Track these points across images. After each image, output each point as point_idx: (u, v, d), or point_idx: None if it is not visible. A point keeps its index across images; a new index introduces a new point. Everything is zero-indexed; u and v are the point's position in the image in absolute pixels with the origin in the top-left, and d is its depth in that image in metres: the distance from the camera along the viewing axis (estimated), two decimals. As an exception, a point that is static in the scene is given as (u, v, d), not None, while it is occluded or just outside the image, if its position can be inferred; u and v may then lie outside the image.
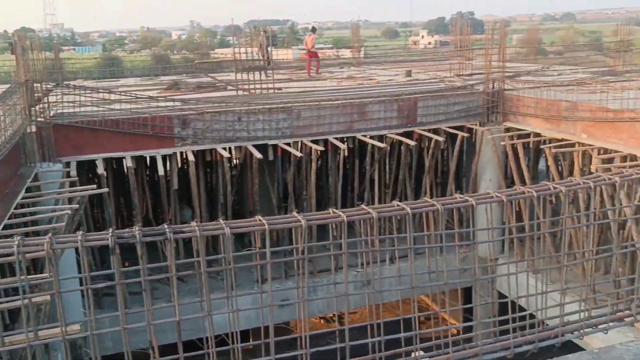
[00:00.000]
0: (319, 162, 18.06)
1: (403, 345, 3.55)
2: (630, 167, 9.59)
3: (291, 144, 15.40)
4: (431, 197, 15.25)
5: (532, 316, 3.87)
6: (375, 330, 3.64)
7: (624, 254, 12.13)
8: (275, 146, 15.38)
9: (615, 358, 3.55)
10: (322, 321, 20.74)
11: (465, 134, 16.22)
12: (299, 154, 14.72)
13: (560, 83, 16.81)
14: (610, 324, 3.80)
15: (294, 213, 3.32)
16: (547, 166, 16.57)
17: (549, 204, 4.22)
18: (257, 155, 14.14)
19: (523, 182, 15.70)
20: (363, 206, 3.46)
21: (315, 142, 15.47)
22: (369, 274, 17.27)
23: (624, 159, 13.28)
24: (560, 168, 16.83)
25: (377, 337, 3.61)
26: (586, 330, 3.74)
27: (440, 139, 15.86)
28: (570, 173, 15.98)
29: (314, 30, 25.14)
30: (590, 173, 14.51)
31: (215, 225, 2.99)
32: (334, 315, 20.20)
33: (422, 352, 3.78)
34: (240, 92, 18.54)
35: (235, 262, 3.22)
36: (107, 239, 2.64)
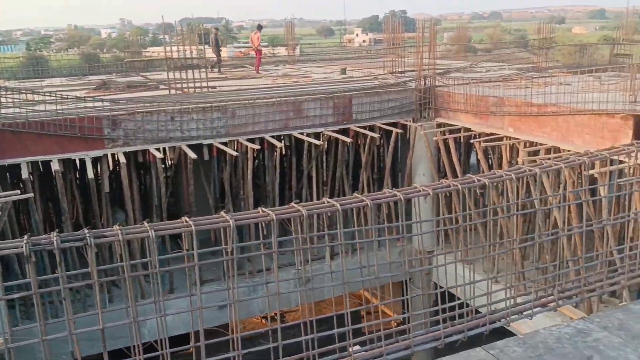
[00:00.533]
0: (256, 161, 17.95)
1: (337, 341, 3.56)
2: (553, 158, 10.02)
3: (227, 144, 15.21)
4: (368, 193, 15.42)
5: (467, 305, 3.98)
6: (309, 328, 3.63)
7: (549, 241, 12.71)
8: (210, 146, 15.13)
9: (540, 342, 3.69)
10: (263, 320, 20.64)
11: (399, 130, 16.52)
12: (234, 153, 14.55)
13: (488, 79, 17.39)
14: (535, 310, 3.95)
15: (222, 213, 3.26)
16: (478, 160, 17.14)
17: (479, 196, 4.33)
18: (192, 155, 13.88)
19: (455, 176, 16.17)
20: (293, 204, 3.44)
21: (251, 140, 15.34)
22: (307, 271, 17.27)
23: (548, 151, 13.89)
24: (490, 161, 17.47)
25: (310, 335, 3.60)
26: (512, 317, 3.87)
27: (376, 135, 16.08)
28: (499, 166, 16.58)
29: (259, 27, 25.25)
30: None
31: (139, 228, 2.89)
32: (275, 314, 20.13)
33: (358, 347, 3.81)
34: (173, 91, 18.14)
35: (171, 264, 3.13)
36: (22, 247, 2.50)
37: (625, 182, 5.06)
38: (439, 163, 17.23)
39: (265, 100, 15.53)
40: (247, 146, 15.02)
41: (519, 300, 4.01)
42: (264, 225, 3.34)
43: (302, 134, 15.92)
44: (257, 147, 14.87)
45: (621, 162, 8.43)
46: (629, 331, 3.77)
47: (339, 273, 3.94)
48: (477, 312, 3.92)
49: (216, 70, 23.67)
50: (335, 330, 3.62)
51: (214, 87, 18.94)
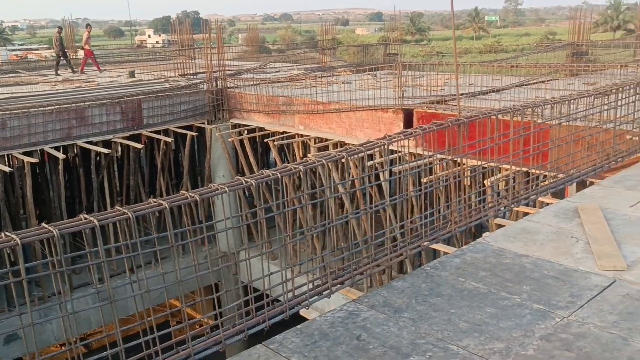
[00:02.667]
0: (39, 176, 16.31)
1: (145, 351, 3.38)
2: (339, 151, 10.69)
3: (-1, 159, 13.56)
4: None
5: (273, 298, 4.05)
6: (108, 345, 3.38)
7: (342, 227, 13.62)
8: (-22, 162, 13.36)
9: (315, 329, 3.90)
10: (62, 347, 18.90)
11: (195, 133, 16.30)
12: (7, 169, 13.03)
13: (277, 79, 17.99)
14: (311, 299, 4.16)
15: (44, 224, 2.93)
16: (274, 158, 17.68)
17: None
18: (-46, 175, 12.11)
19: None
20: (82, 215, 3.18)
21: (28, 154, 13.89)
22: (105, 288, 16.21)
23: (335, 145, 14.84)
24: (286, 159, 18.09)
25: (115, 349, 3.37)
26: (290, 303, 4.03)
27: (169, 140, 15.64)
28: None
29: (88, 26, 24.21)
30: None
31: None
32: (76, 340, 18.53)
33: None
34: None
35: None
36: None
37: (398, 167, 5.65)
38: (237, 164, 17.40)
39: (42, 109, 14.14)
40: (23, 160, 13.56)
41: (303, 288, 4.20)
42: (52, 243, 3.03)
43: (90, 142, 14.85)
44: (34, 160, 13.50)
45: (392, 151, 9.30)
46: (391, 306, 4.17)
47: (142, 289, 3.74)
48: (278, 301, 4.04)
49: (69, 70, 23.74)
50: (142, 340, 3.43)
51: (-21, 96, 16.74)
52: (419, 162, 5.54)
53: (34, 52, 61.31)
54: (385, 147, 4.49)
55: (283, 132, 15.80)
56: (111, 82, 20.05)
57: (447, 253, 5.14)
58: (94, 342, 19.64)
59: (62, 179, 14.20)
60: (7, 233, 2.99)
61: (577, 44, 17.91)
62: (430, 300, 4.24)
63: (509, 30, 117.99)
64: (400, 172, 5.81)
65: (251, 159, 16.25)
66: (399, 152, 7.90)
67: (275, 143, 15.07)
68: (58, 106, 14.41)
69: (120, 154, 17.13)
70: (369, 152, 4.43)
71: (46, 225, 3.07)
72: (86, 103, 14.98)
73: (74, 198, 16.53)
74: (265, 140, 15.98)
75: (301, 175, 4.15)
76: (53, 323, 14.66)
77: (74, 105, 14.73)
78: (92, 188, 15.58)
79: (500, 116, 5.93)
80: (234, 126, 17.03)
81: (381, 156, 11.93)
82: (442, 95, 13.89)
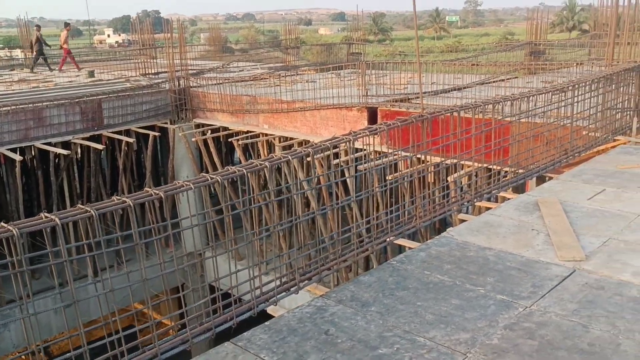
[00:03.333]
0: (-6, 178, 15.82)
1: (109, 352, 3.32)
2: (305, 148, 10.72)
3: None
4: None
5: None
6: (72, 348, 3.31)
7: (308, 224, 13.63)
8: None
9: (284, 325, 3.89)
10: (23, 357, 18.34)
11: (157, 134, 16.05)
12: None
13: (241, 79, 17.87)
14: (278, 296, 4.15)
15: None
16: (239, 158, 17.55)
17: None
18: None
19: (218, 175, 16.32)
20: (42, 215, 3.09)
21: (-16, 155, 13.47)
22: (70, 294, 15.77)
23: (300, 144, 14.83)
24: (251, 158, 17.97)
25: (78, 350, 3.30)
26: (258, 300, 4.02)
27: (131, 140, 15.36)
28: (259, 162, 17.22)
29: (67, 25, 24.24)
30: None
31: None
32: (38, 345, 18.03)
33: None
34: None
35: None
36: None
37: (362, 164, 5.67)
38: (201, 164, 17.21)
39: (-3, 109, 13.70)
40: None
41: (270, 286, 4.18)
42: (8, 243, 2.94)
43: (48, 144, 14.46)
44: (-8, 162, 13.09)
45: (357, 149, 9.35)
46: (359, 301, 4.20)
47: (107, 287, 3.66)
48: (243, 300, 4.02)
49: (46, 67, 23.57)
50: (106, 340, 3.35)
51: None
52: (383, 159, 5.58)
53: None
54: (351, 143, 4.51)
55: (247, 132, 15.72)
56: (70, 82, 19.58)
57: (412, 248, 5.21)
58: (54, 348, 19.16)
59: (19, 182, 13.79)
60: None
61: (535, 44, 18.36)
62: (397, 293, 4.29)
63: (469, 31, 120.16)
64: (365, 169, 5.86)
65: (215, 158, 16.11)
66: (364, 150, 7.98)
67: (240, 142, 14.97)
68: (14, 106, 13.99)
69: (80, 155, 16.76)
70: (334, 150, 4.44)
71: (5, 225, 2.98)
72: (44, 103, 14.58)
73: (32, 201, 16.10)
74: (229, 140, 15.86)
75: (266, 172, 4.13)
76: (11, 330, 14.26)
77: (31, 105, 14.32)
78: (52, 190, 15.18)
79: (462, 113, 6.04)
80: (197, 126, 16.84)
81: (346, 154, 12.00)
82: (406, 94, 14.05)
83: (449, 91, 14.57)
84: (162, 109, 16.78)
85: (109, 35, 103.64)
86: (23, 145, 14.27)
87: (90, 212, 3.22)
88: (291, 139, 14.86)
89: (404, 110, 12.44)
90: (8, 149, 13.77)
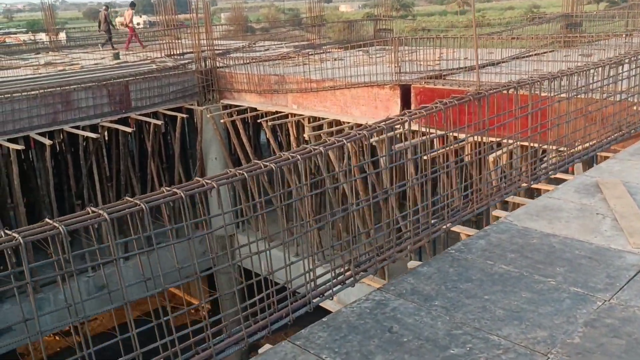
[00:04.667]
0: (24, 163, 15.82)
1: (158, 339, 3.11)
2: (336, 134, 10.51)
3: (-17, 146, 13.07)
4: (159, 184, 14.44)
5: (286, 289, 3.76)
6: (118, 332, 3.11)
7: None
8: (-39, 151, 12.89)
9: (343, 322, 3.63)
10: (56, 338, 18.64)
11: (185, 115, 15.85)
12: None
13: (268, 58, 17.51)
14: (335, 289, 3.89)
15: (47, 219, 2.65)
16: (267, 139, 17.30)
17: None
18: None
19: (247, 156, 16.08)
20: (47, 220, 2.85)
21: (13, 140, 13.40)
22: (103, 277, 15.72)
23: (330, 124, 14.50)
24: (279, 139, 17.71)
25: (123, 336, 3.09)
26: (313, 294, 3.76)
27: (159, 122, 15.19)
28: (288, 143, 16.91)
29: (132, 5, 24.59)
30: (305, 141, 15.56)
31: None
32: (69, 329, 18.26)
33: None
34: None
35: None
36: None
37: (400, 149, 5.31)
38: (230, 145, 17.00)
39: (25, 94, 13.60)
40: (8, 147, 13.08)
41: (324, 278, 3.92)
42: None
43: (77, 127, 14.37)
44: (20, 147, 13.03)
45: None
46: (420, 294, 3.92)
47: (138, 274, 3.47)
48: (298, 293, 3.75)
49: (108, 47, 24.10)
50: (159, 343, 3.14)
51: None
52: (444, 142, 5.19)
53: (11, 36, 59.81)
54: (408, 123, 4.18)
55: (276, 112, 15.41)
56: (95, 64, 19.45)
57: (470, 235, 4.89)
58: (92, 329, 19.39)
59: (49, 166, 13.73)
60: (8, 232, 2.67)
61: (571, 15, 17.62)
62: (461, 286, 3.99)
63: (493, 5, 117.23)
64: (401, 155, 5.45)
65: (244, 140, 15.86)
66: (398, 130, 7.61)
67: (269, 123, 14.68)
68: (42, 90, 13.88)
69: (107, 138, 16.67)
70: (390, 133, 4.12)
71: (51, 221, 2.75)
72: (72, 86, 14.45)
73: (62, 185, 16.08)
74: (258, 121, 15.59)
75: (319, 159, 3.81)
76: (47, 310, 14.34)
77: (59, 89, 14.20)
78: (81, 174, 15.15)
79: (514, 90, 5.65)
80: (225, 107, 16.59)
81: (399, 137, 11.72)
82: (439, 70, 13.56)
83: (484, 66, 14.04)
84: (189, 90, 16.54)
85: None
86: (52, 129, 14.18)
87: (140, 205, 2.97)
88: (321, 119, 14.53)
89: (440, 87, 12.00)
90: (37, 133, 13.70)
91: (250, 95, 16.14)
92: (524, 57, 14.99)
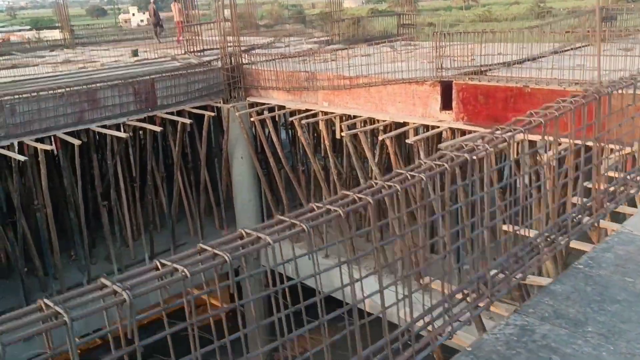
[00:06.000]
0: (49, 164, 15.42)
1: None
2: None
3: (8, 147, 12.65)
4: (183, 185, 13.89)
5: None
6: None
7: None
8: (-13, 152, 12.49)
9: (492, 352, 3.23)
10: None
11: (212, 113, 15.44)
12: (22, 157, 12.14)
13: (297, 54, 17.02)
14: (463, 317, 3.48)
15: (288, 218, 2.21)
16: (294, 136, 16.88)
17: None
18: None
19: (275, 156, 15.66)
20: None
21: (40, 140, 13.02)
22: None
23: (364, 122, 14.08)
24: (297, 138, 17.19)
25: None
26: (454, 324, 3.35)
27: (188, 121, 14.79)
28: (318, 142, 16.50)
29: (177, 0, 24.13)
30: (336, 139, 15.13)
31: None
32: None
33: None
34: None
35: None
36: None
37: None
38: (255, 144, 16.58)
39: (52, 92, 13.19)
40: (35, 147, 12.70)
41: (453, 309, 3.50)
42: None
43: (103, 126, 13.97)
44: (49, 147, 12.64)
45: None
46: (566, 318, 3.52)
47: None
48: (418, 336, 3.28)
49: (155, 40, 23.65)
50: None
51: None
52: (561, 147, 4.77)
53: (15, 34, 59.38)
54: (543, 128, 3.76)
55: (306, 110, 14.98)
56: (115, 61, 19.03)
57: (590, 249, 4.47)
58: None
59: (78, 166, 13.33)
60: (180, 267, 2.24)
61: (606, 9, 17.16)
62: (608, 308, 3.58)
63: (497, 0, 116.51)
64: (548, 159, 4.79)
65: (274, 138, 15.43)
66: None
67: (303, 122, 14.25)
68: (68, 88, 13.47)
69: (132, 137, 16.26)
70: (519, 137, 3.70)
71: (299, 223, 2.32)
72: (97, 84, 14.03)
73: (85, 185, 15.68)
74: (290, 119, 15.15)
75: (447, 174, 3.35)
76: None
77: (85, 87, 13.79)
78: (109, 174, 14.77)
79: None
80: (251, 105, 16.17)
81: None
82: (478, 66, 13.09)
83: (522, 62, 13.57)
84: (214, 87, 16.12)
85: (133, 14, 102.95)
86: (78, 128, 13.78)
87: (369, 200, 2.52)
88: (354, 116, 14.10)
89: (485, 84, 11.57)
90: (65, 133, 13.30)
91: (277, 93, 15.71)
92: (562, 51, 14.54)
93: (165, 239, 16.00)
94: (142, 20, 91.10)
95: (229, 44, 16.05)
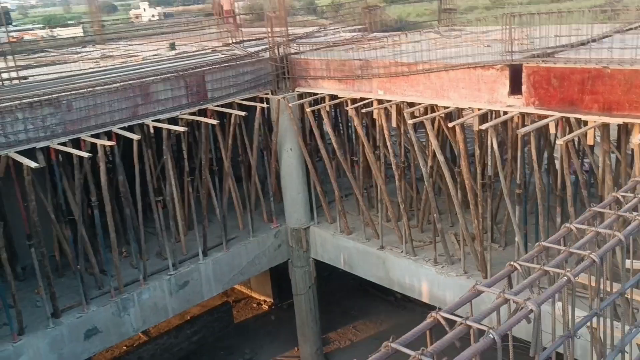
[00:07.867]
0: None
1: None
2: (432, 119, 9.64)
3: (67, 143, 12.43)
4: (231, 179, 13.55)
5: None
6: None
7: None
8: (45, 149, 12.27)
9: None
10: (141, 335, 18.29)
11: (265, 105, 15.17)
12: (85, 154, 11.91)
13: (343, 42, 16.70)
14: None
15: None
16: (344, 126, 16.60)
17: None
18: (30, 163, 11.01)
19: (326, 148, 15.37)
20: None
21: (96, 136, 12.79)
22: (183, 275, 15.03)
23: (425, 110, 13.74)
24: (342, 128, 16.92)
25: None
26: None
27: (242, 113, 14.51)
28: (373, 132, 16.13)
29: None
30: (393, 127, 14.80)
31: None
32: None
33: None
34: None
35: None
36: None
37: None
38: (304, 135, 16.26)
39: (107, 87, 12.95)
40: (92, 143, 12.48)
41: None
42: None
43: (157, 120, 13.72)
44: (110, 143, 12.42)
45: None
46: None
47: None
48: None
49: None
50: None
51: (26, 78, 15.51)
52: None
53: (29, 32, 59.30)
54: None
55: (360, 99, 14.65)
56: (155, 55, 18.77)
57: None
58: (153, 330, 19.00)
59: (136, 162, 13.10)
60: None
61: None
62: None
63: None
64: None
65: (329, 129, 15.12)
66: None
67: (363, 110, 13.92)
68: (123, 82, 13.22)
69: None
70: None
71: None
72: (150, 78, 13.78)
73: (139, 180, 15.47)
74: (346, 109, 14.83)
75: None
76: (131, 314, 13.79)
77: (138, 81, 13.54)
78: (156, 169, 14.53)
79: None
80: (300, 95, 15.86)
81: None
82: (544, 48, 12.66)
83: (586, 43, 13.15)
84: (263, 78, 15.83)
85: (144, 10, 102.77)
86: (133, 123, 13.53)
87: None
88: (413, 104, 13.75)
89: (561, 66, 11.16)
90: (120, 128, 13.07)
91: (328, 82, 15.37)
92: (625, 31, 14.11)
93: (216, 233, 15.76)
94: (153, 16, 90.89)
95: (276, 35, 15.72)
